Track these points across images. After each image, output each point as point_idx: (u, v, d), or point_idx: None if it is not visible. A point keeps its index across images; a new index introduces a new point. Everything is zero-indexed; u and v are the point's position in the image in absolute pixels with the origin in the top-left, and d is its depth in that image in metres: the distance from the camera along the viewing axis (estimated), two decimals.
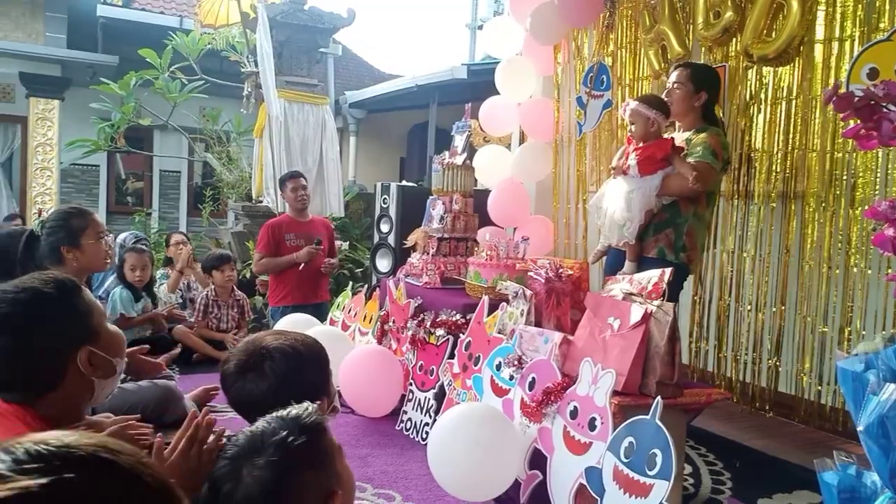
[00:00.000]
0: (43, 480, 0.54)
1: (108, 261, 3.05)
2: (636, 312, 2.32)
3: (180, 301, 5.07)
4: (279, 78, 7.06)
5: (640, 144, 2.92)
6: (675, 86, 3.01)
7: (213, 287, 4.55)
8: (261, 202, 7.11)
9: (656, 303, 2.33)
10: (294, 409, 1.22)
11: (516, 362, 2.66)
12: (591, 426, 2.24)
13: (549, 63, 4.68)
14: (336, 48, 9.79)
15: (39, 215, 8.80)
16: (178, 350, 4.21)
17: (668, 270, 2.41)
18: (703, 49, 3.58)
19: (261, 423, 1.19)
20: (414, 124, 10.96)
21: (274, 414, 1.22)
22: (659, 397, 2.05)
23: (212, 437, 1.37)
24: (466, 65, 8.16)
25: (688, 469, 2.89)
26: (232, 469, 1.13)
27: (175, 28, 9.13)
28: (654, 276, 2.42)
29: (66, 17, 9.69)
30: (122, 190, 11.39)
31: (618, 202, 2.93)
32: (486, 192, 4.58)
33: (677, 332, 2.30)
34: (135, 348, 2.46)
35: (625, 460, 2.05)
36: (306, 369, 1.60)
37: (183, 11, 10.26)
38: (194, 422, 1.37)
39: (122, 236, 5.13)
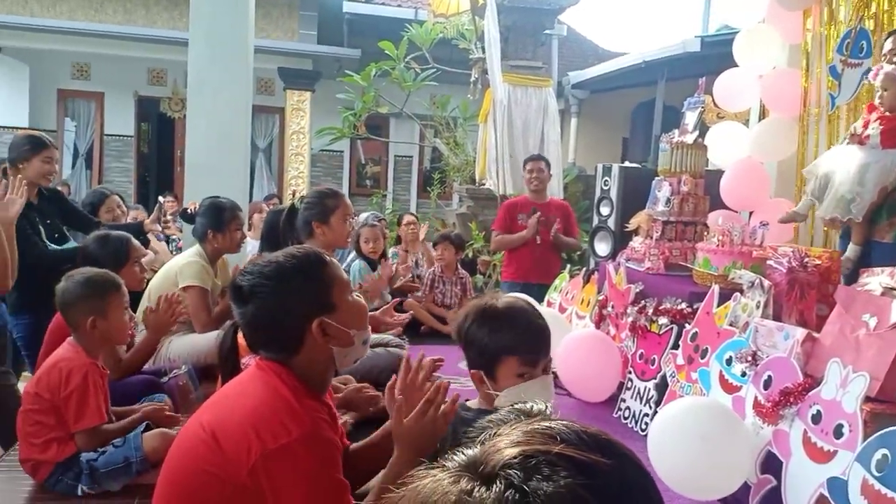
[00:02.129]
0: (607, 460, 0.57)
1: (350, 240, 3.35)
2: None
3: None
4: (504, 62, 7.18)
5: (887, 114, 2.53)
6: None
7: (438, 265, 4.78)
8: (483, 185, 7.31)
9: None
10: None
11: (750, 358, 2.46)
12: (838, 433, 2.00)
13: (797, 30, 4.23)
14: (561, 29, 9.72)
15: (293, 196, 9.86)
16: (408, 315, 4.45)
17: None
18: None
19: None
20: (639, 103, 10.56)
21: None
22: None
23: (447, 402, 1.46)
24: (700, 37, 7.66)
25: None
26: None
27: (411, 20, 9.67)
28: None
29: (316, 15, 10.70)
30: (361, 174, 12.37)
31: (848, 174, 2.57)
32: (718, 173, 4.28)
33: None
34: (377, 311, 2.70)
35: (877, 474, 1.81)
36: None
37: (418, 3, 10.82)
38: (435, 386, 1.47)
39: (362, 216, 5.58)
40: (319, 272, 1.49)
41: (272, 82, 11.09)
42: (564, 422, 0.62)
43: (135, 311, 3.08)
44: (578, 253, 6.43)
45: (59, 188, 10.36)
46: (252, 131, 12.01)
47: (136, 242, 2.85)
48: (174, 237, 6.83)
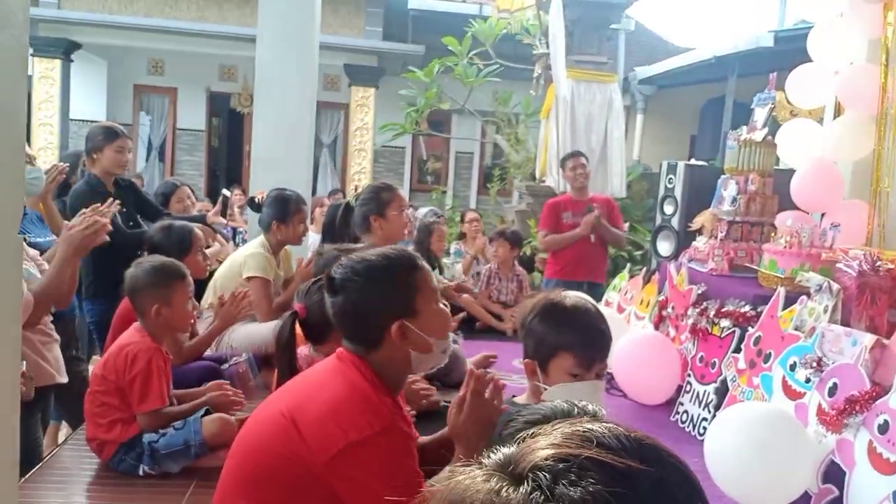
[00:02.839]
0: (646, 467, 0.56)
1: (408, 232, 3.36)
2: None
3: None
4: (568, 57, 7.09)
5: None
6: None
7: (494, 262, 4.77)
8: (544, 182, 7.25)
9: None
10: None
11: (815, 364, 2.36)
12: None
13: (878, 24, 4.02)
14: (628, 24, 9.54)
15: (355, 191, 9.97)
16: (462, 315, 4.47)
17: None
18: None
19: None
20: (708, 99, 10.27)
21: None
22: None
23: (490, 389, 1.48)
24: (773, 32, 7.39)
25: None
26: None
27: (475, 15, 9.65)
28: None
29: (382, 12, 10.80)
30: (423, 170, 12.45)
31: None
32: (789, 173, 4.12)
33: None
34: None
35: None
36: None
37: None
38: (475, 376, 1.49)
39: (421, 211, 5.61)
40: (408, 276, 1.51)
41: (338, 79, 11.26)
42: (609, 424, 0.60)
43: (199, 301, 3.19)
44: (641, 252, 6.30)
45: (133, 180, 10.79)
46: (317, 127, 12.29)
47: (199, 232, 2.94)
48: (240, 229, 7.04)
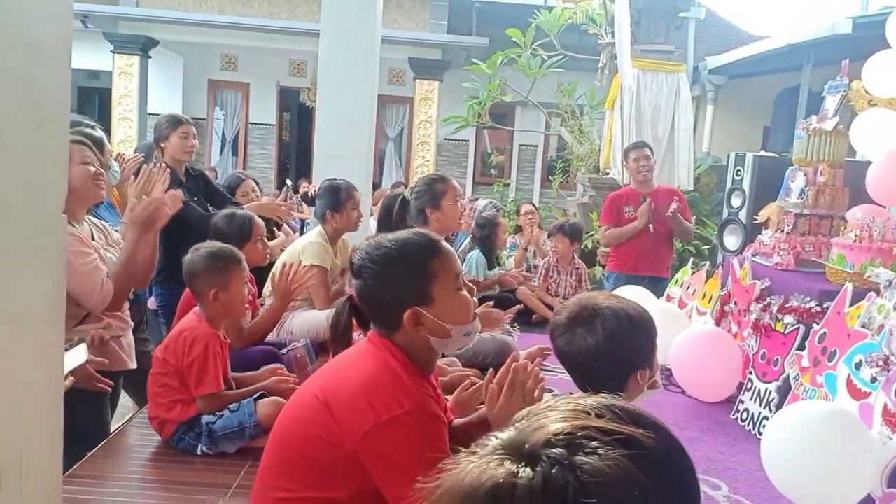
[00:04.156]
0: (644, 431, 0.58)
1: (463, 222, 3.37)
2: None
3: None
4: (634, 47, 6.94)
5: None
6: None
7: (553, 255, 4.72)
8: (607, 174, 7.12)
9: None
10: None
11: (881, 363, 2.26)
12: None
13: None
14: (699, 11, 9.23)
15: None
16: (517, 308, 4.45)
17: None
18: None
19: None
20: (783, 89, 9.85)
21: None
22: None
23: (531, 382, 1.48)
24: (852, 18, 7.02)
25: None
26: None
27: (540, 6, 9.54)
28: None
29: (446, 5, 10.82)
30: (486, 163, 12.43)
31: None
32: (864, 164, 3.92)
33: None
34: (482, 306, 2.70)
35: None
36: (636, 334, 1.61)
37: None
38: (513, 367, 1.49)
39: (480, 203, 5.60)
40: (423, 263, 1.50)
41: (403, 72, 11.35)
42: (596, 398, 0.61)
43: (261, 291, 3.29)
44: (708, 247, 6.13)
45: (206, 172, 11.11)
46: (383, 120, 12.48)
47: (259, 221, 3.03)
48: (308, 220, 7.19)
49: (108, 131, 11.53)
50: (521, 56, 8.51)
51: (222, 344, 2.32)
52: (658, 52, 7.17)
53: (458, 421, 1.84)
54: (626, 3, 6.56)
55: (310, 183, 8.72)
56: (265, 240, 3.02)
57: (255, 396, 2.28)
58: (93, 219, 2.48)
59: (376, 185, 10.41)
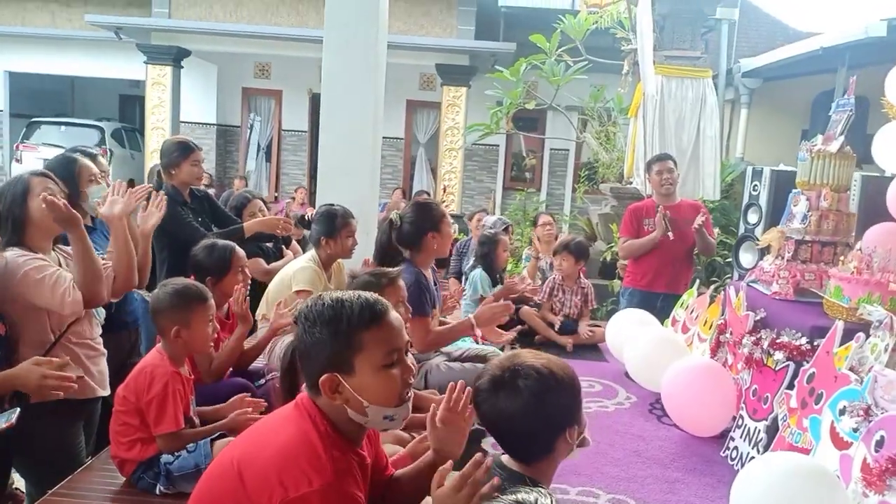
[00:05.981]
0: None
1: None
2: None
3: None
4: (658, 53, 6.76)
5: None
6: None
7: (558, 274, 4.62)
8: (630, 184, 6.96)
9: None
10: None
11: (862, 412, 2.13)
12: None
13: None
14: (731, 13, 8.96)
15: (444, 192, 9.94)
16: (520, 328, 4.36)
17: None
18: None
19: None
20: (820, 92, 9.50)
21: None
22: None
23: (487, 486, 1.38)
24: (886, 20, 6.70)
25: None
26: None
27: (567, 10, 9.39)
28: None
29: (474, 10, 10.75)
30: (521, 166, 12.30)
31: None
32: (884, 180, 3.71)
33: None
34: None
35: None
36: (560, 392, 1.56)
37: None
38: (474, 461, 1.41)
39: (489, 219, 5.52)
40: (352, 332, 1.42)
41: (433, 78, 11.31)
42: None
43: (254, 313, 3.29)
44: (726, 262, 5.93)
45: (237, 181, 11.21)
46: (413, 126, 12.47)
47: (240, 252, 3.02)
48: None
49: (142, 140, 11.80)
50: (544, 62, 8.38)
51: (184, 381, 2.32)
52: (683, 59, 6.97)
53: (406, 469, 1.80)
54: (649, 10, 6.39)
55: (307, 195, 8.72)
56: (245, 271, 3.02)
57: (215, 437, 2.28)
58: (62, 247, 2.51)
59: (405, 193, 10.43)
